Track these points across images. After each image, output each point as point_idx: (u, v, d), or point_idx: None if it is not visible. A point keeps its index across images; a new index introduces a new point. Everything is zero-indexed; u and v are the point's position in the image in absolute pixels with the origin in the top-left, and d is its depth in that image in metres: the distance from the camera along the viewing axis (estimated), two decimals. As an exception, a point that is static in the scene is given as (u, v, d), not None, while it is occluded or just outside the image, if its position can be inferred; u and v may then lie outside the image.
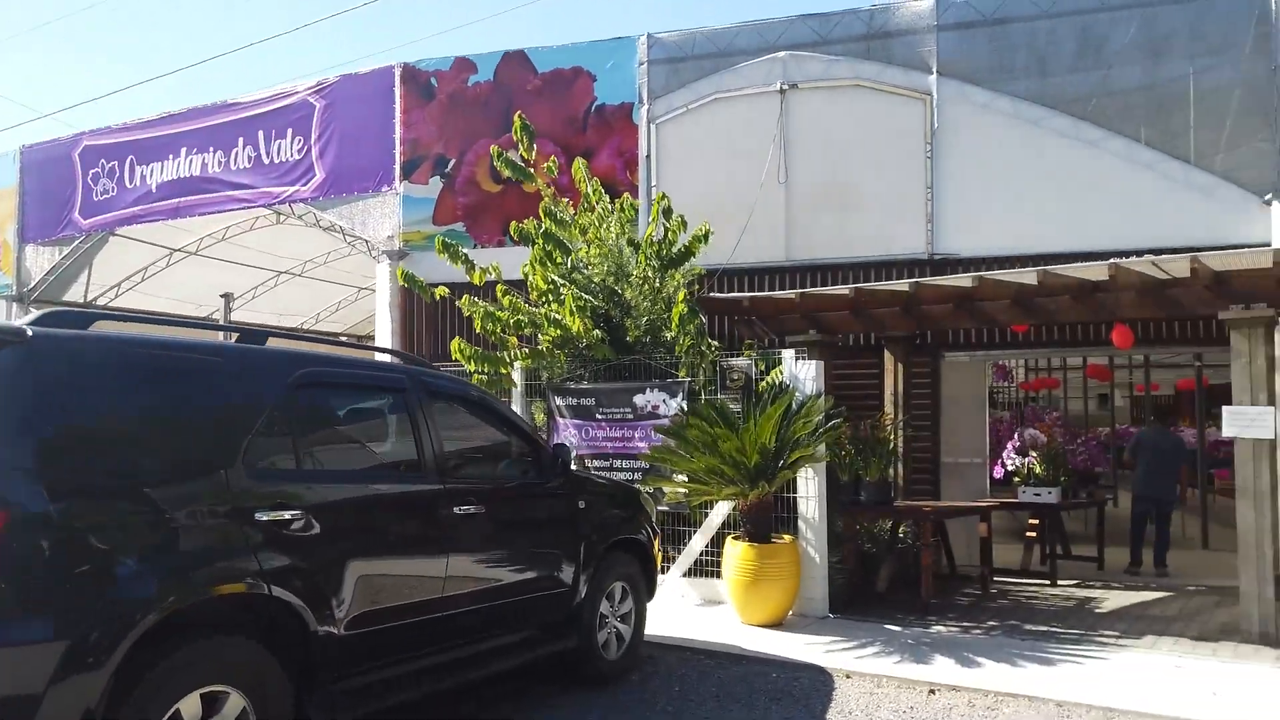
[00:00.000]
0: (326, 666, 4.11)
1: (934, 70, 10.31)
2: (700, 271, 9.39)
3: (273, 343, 4.61)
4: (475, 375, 8.52)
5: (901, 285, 7.79)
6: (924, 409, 10.51)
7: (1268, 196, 9.26)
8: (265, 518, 3.90)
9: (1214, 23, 9.64)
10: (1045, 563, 9.72)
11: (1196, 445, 12.75)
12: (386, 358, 6.03)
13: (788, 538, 7.64)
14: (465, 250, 8.89)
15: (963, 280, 7.58)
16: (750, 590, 7.40)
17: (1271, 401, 6.94)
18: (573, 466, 5.97)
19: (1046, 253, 9.20)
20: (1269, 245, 8.45)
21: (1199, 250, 6.98)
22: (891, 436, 8.72)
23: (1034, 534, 9.83)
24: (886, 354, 10.10)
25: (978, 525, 9.28)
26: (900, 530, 9.16)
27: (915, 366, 10.50)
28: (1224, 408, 6.98)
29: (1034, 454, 9.91)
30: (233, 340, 4.47)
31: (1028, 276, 7.38)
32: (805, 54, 10.72)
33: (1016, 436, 10.06)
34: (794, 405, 7.49)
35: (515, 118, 9.00)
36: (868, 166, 10.51)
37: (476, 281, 8.76)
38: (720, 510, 8.07)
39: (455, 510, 4.85)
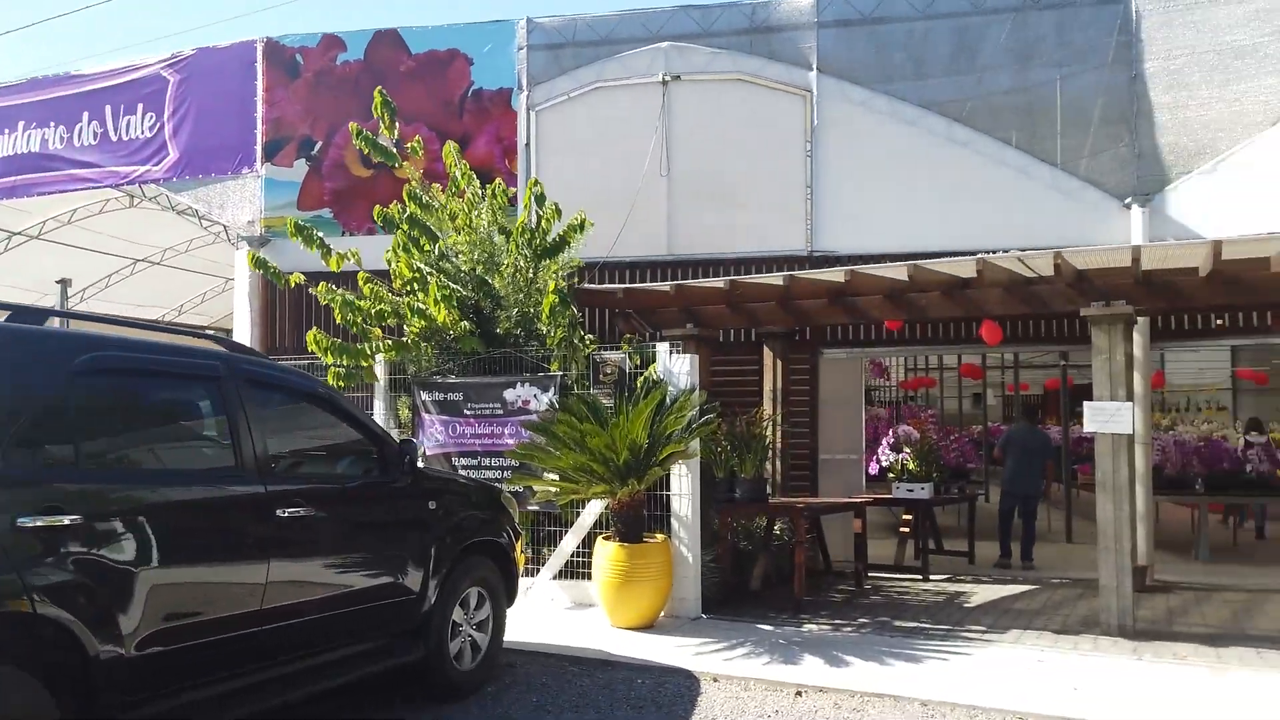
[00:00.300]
0: (112, 694, 3.56)
1: (814, 67, 10.22)
2: (579, 264, 9.03)
3: (62, 324, 4.00)
4: (332, 369, 7.94)
5: (776, 279, 7.60)
6: (803, 405, 10.42)
7: (1127, 200, 9.49)
8: (32, 524, 3.33)
9: (1079, 30, 9.83)
10: (919, 558, 9.73)
11: (1061, 442, 13.11)
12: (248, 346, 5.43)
13: (660, 537, 7.35)
14: (322, 234, 8.27)
15: (835, 275, 7.44)
16: (620, 592, 7.07)
17: (1130, 397, 7.02)
18: (420, 464, 5.51)
19: (921, 251, 9.14)
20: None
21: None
22: (767, 432, 8.53)
23: (907, 529, 9.84)
24: (765, 350, 9.95)
25: (853, 521, 9.20)
26: (776, 527, 9.00)
27: (794, 363, 10.39)
28: (1085, 403, 7.03)
29: (908, 450, 9.92)
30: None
31: (898, 272, 7.28)
32: (688, 45, 10.48)
33: (891, 433, 10.05)
34: (667, 400, 7.20)
35: (375, 93, 8.43)
36: (750, 162, 10.34)
37: (333, 268, 8.16)
38: (592, 509, 7.71)
39: (279, 514, 4.33)
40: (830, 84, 10.19)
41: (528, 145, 10.57)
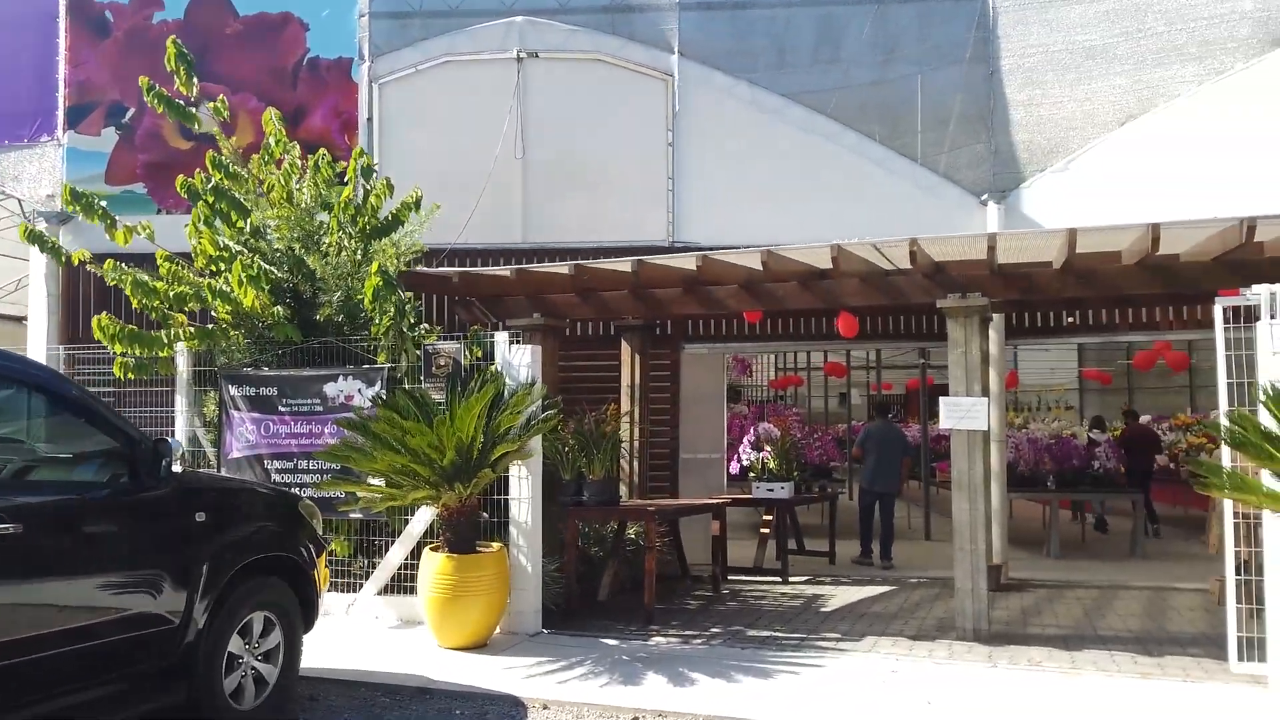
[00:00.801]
0: None
1: (676, 50, 9.66)
2: (421, 249, 8.15)
3: None
4: (120, 359, 6.83)
5: (624, 265, 6.95)
6: (663, 403, 9.85)
7: (984, 197, 9.31)
8: None
9: (939, 25, 9.61)
10: (780, 558, 9.27)
11: (921, 439, 13.00)
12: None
13: (496, 546, 6.58)
14: (106, 205, 7.14)
15: (687, 261, 6.86)
16: (448, 608, 6.26)
17: (986, 393, 6.69)
18: (177, 467, 4.58)
19: (781, 244, 8.76)
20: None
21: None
22: (617, 430, 7.87)
23: (768, 530, 9.38)
24: (624, 344, 9.32)
25: (711, 523, 8.65)
26: (631, 531, 8.36)
27: (654, 358, 9.81)
28: (941, 399, 6.66)
29: (769, 449, 9.47)
30: None
31: (752, 259, 6.76)
32: (544, 21, 9.75)
33: (752, 431, 9.58)
34: (504, 395, 6.44)
35: (169, 43, 7.35)
36: (609, 147, 9.70)
37: (120, 242, 7.03)
38: (422, 517, 6.87)
39: (-32, 532, 3.37)
40: (692, 69, 9.65)
41: (369, 120, 9.61)
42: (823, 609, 7.86)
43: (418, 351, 6.98)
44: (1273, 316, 5.36)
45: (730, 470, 9.65)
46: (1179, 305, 8.82)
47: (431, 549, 6.43)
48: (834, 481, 11.81)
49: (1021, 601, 8.10)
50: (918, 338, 9.86)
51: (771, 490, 9.16)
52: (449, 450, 5.94)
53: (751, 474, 9.46)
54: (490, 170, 9.39)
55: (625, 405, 9.24)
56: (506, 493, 6.79)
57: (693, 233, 9.54)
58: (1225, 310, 5.56)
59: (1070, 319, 9.39)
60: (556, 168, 9.66)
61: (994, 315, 9.23)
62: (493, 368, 6.74)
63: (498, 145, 9.50)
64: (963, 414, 6.52)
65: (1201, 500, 12.49)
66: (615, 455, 7.52)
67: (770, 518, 9.35)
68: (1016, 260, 6.83)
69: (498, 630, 6.56)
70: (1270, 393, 5.14)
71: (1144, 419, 13.32)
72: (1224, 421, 5.43)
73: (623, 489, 9.19)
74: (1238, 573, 5.56)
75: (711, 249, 8.84)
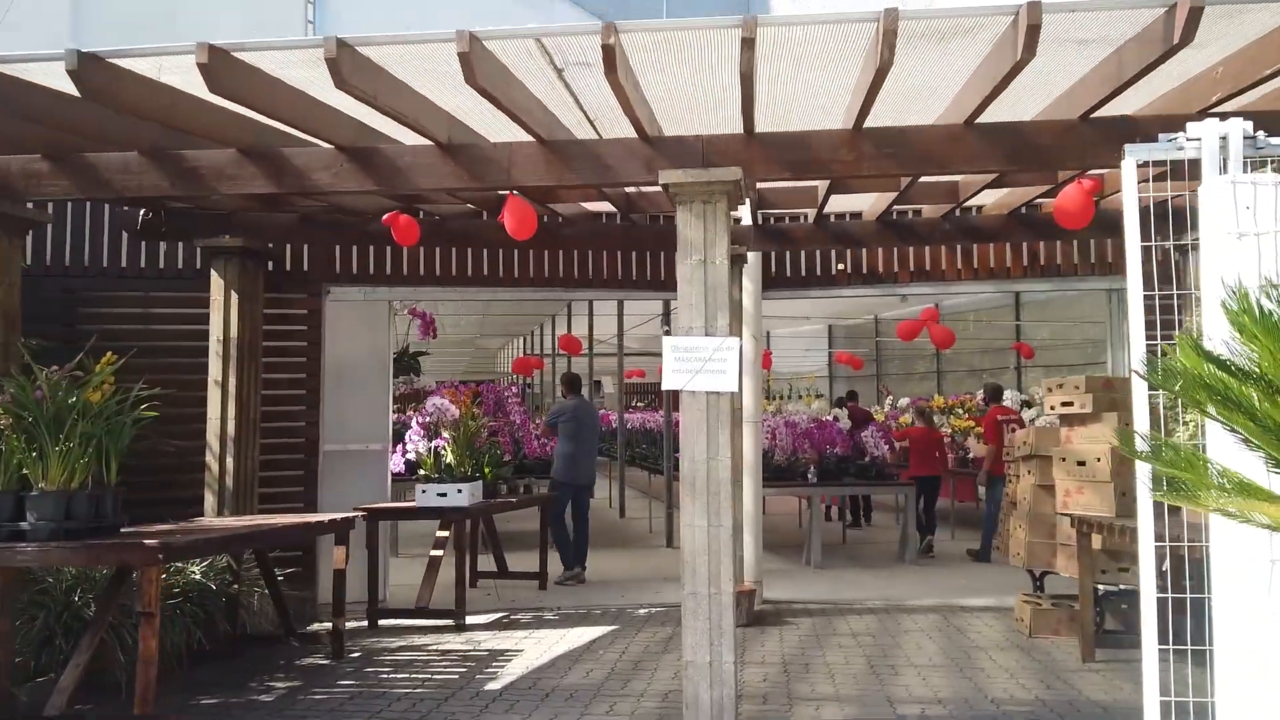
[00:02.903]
0: None
1: None
2: None
3: None
4: None
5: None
6: (295, 371, 6.35)
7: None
8: None
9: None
10: (459, 591, 6.04)
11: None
12: None
13: None
14: None
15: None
16: None
17: (740, 328, 3.82)
18: None
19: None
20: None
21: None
22: (123, 399, 4.21)
23: (441, 551, 6.12)
24: (214, 277, 5.72)
25: (337, 553, 5.24)
26: (195, 572, 4.80)
27: (281, 305, 6.29)
28: (665, 339, 3.69)
29: (446, 436, 6.22)
30: None
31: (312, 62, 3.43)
32: None
33: (421, 412, 6.28)
34: None
35: None
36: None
37: None
38: None
39: None
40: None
41: None
42: (493, 682, 4.69)
43: None
44: (1225, 171, 2.80)
45: (395, 467, 6.28)
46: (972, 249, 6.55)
47: None
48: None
49: (782, 644, 5.37)
50: (667, 287, 7.00)
51: (444, 495, 5.91)
52: None
53: (422, 471, 6.16)
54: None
55: (216, 372, 5.65)
56: None
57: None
58: (1140, 168, 2.96)
59: (840, 265, 6.89)
60: None
61: (750, 256, 6.56)
62: None
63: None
64: (699, 363, 3.59)
65: (964, 491, 10.67)
66: (110, 447, 3.92)
67: (445, 534, 6.09)
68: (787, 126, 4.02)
69: None
70: (1237, 296, 2.54)
71: (904, 402, 11.39)
72: (1139, 364, 2.81)
73: (209, 499, 5.60)
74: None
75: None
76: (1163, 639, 2.80)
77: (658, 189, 4.05)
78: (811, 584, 7.22)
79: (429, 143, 3.90)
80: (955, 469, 9.76)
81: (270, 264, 6.27)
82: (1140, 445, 2.64)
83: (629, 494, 11.84)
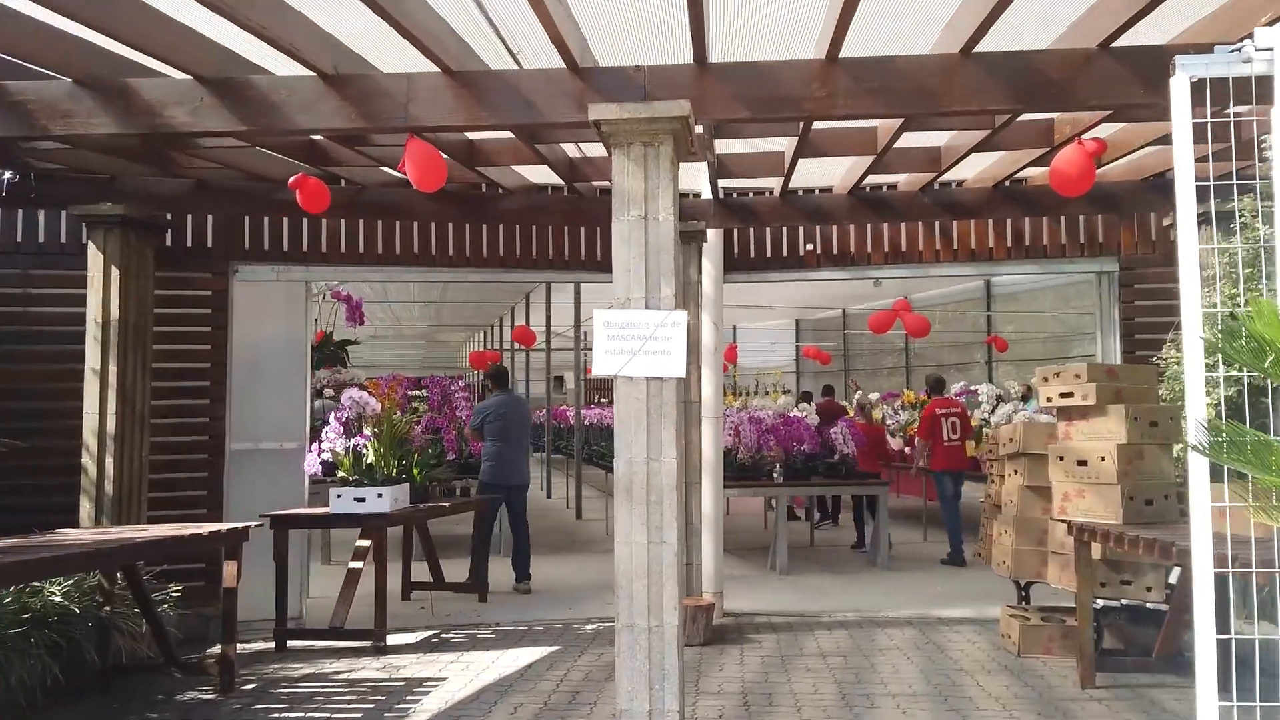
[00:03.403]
0: None
1: None
2: None
3: None
4: None
5: None
6: (198, 360, 5.53)
7: None
8: None
9: None
10: (378, 609, 5.26)
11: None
12: None
13: None
14: None
15: None
16: None
17: (687, 299, 3.12)
18: None
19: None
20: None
21: None
22: None
23: (360, 564, 5.34)
24: (92, 250, 4.89)
25: (227, 569, 4.45)
26: (57, 593, 3.99)
27: (180, 285, 5.48)
28: (596, 313, 2.95)
29: (368, 433, 5.44)
30: None
31: None
32: None
33: (339, 406, 5.48)
34: None
35: None
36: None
37: None
38: None
39: None
40: None
41: None
42: (405, 721, 3.95)
43: None
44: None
45: (310, 468, 5.48)
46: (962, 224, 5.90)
47: None
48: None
49: (743, 668, 4.67)
50: (586, 265, 6.26)
51: (362, 501, 5.13)
52: None
53: (340, 473, 5.37)
54: None
55: (94, 359, 4.83)
56: None
57: None
58: (1194, 84, 2.28)
59: (809, 245, 6.21)
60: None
61: (710, 234, 5.86)
62: None
63: None
64: (639, 342, 2.87)
65: (913, 486, 10.07)
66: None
67: (366, 544, 5.30)
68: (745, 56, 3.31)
69: None
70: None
71: (873, 396, 10.76)
72: (1194, 330, 2.14)
73: (85, 507, 4.77)
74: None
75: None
76: (1223, 692, 2.14)
77: (606, 154, 3.33)
78: (777, 592, 6.55)
79: (310, 73, 3.13)
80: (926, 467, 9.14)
81: (169, 237, 5.46)
82: (1198, 436, 1.96)
83: (587, 493, 11.10)
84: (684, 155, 3.05)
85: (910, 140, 4.64)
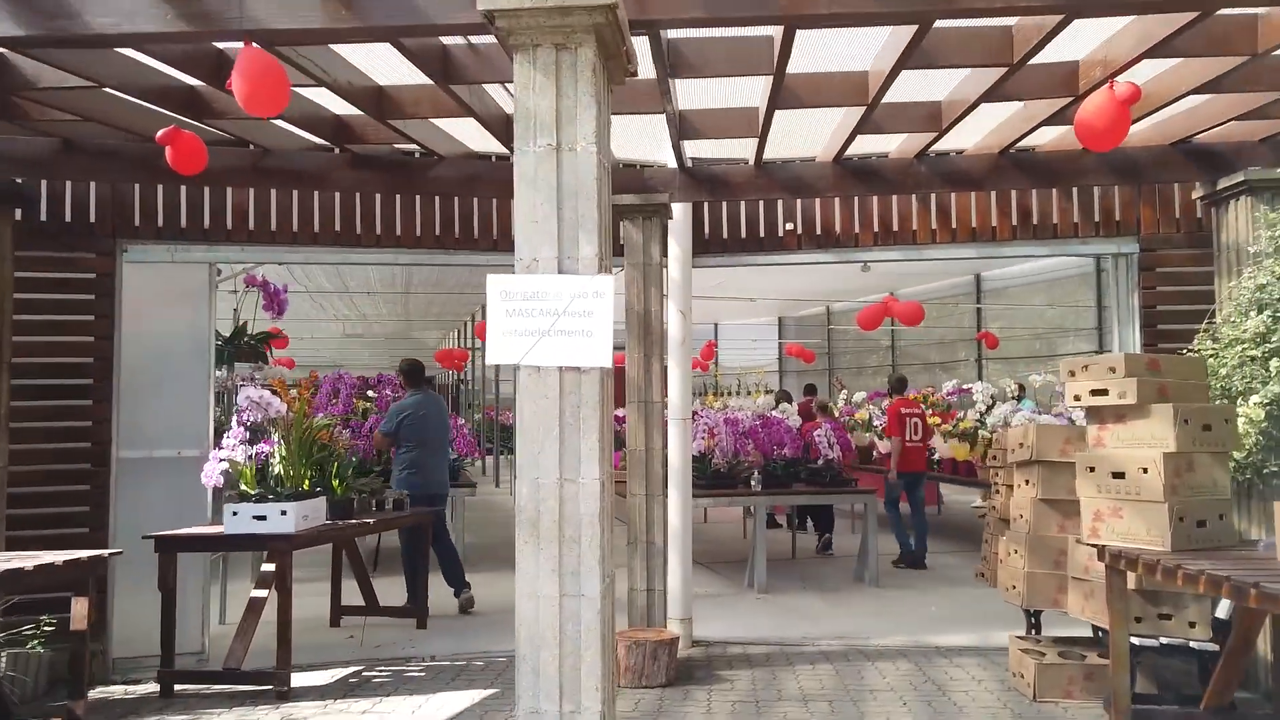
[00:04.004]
0: None
1: None
2: None
3: None
4: None
5: None
6: (79, 354, 4.67)
7: None
8: None
9: None
10: (281, 644, 4.39)
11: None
12: None
13: None
14: None
15: None
16: None
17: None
18: None
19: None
20: None
21: None
22: None
23: (264, 592, 4.48)
24: (-72, 220, 4.02)
25: (76, 607, 3.58)
26: None
27: (57, 267, 4.62)
28: (490, 278, 2.12)
29: (276, 438, 4.58)
30: None
31: None
32: None
33: (239, 410, 4.61)
34: None
35: None
36: None
37: None
38: None
39: None
40: None
41: None
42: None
43: None
44: None
45: (208, 480, 4.62)
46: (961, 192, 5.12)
47: None
48: (461, 486, 7.19)
49: (710, 717, 3.86)
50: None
51: (263, 519, 4.27)
52: None
53: (243, 484, 4.51)
54: None
55: (-70, 350, 3.95)
56: None
57: None
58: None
59: (789, 225, 5.40)
60: None
61: (676, 210, 5.05)
62: None
63: None
64: (548, 319, 2.03)
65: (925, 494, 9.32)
66: None
67: (271, 567, 4.44)
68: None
69: None
70: None
71: (859, 396, 9.98)
72: None
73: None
74: None
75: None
76: None
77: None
78: (754, 614, 5.74)
79: None
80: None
81: (43, 210, 4.60)
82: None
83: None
84: (616, 69, 2.22)
85: (907, 90, 3.84)
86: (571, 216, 2.06)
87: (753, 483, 6.63)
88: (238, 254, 5.00)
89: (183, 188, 4.76)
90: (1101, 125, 3.34)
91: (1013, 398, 8.47)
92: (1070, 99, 3.72)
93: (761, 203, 5.31)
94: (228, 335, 5.34)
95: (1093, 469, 3.45)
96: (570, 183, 2.06)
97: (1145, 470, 3.24)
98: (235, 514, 4.29)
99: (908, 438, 7.26)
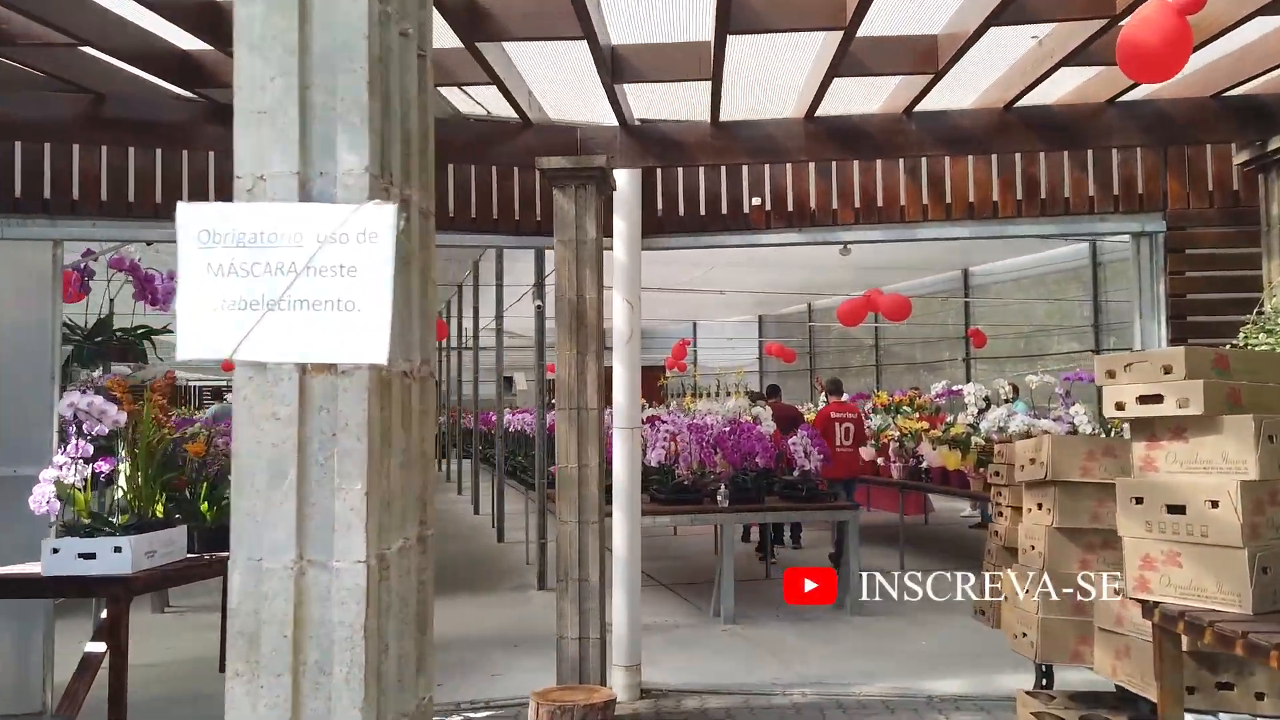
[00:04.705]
0: None
1: None
2: None
3: None
4: None
5: None
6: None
7: None
8: None
9: None
10: (114, 709, 3.46)
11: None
12: None
13: None
14: None
15: None
16: None
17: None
18: None
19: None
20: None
21: None
22: None
23: (102, 646, 3.55)
24: None
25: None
26: None
27: None
28: (181, 206, 1.23)
29: (125, 456, 3.65)
30: None
31: None
32: None
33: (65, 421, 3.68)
34: None
35: None
36: None
37: None
38: None
39: None
40: None
41: None
42: None
43: None
44: None
45: (40, 507, 3.69)
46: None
47: None
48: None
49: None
50: (541, 229, 4.53)
51: (91, 557, 3.35)
52: None
53: (76, 512, 3.59)
54: None
55: None
56: None
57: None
58: None
59: (756, 200, 4.51)
60: None
61: (620, 179, 4.16)
62: None
63: None
64: (282, 280, 1.14)
65: (911, 504, 8.48)
66: None
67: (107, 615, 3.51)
68: None
69: None
70: None
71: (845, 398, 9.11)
72: None
73: None
74: None
75: None
76: None
77: None
78: (718, 653, 4.85)
79: None
80: (905, 479, 7.54)
81: None
82: None
83: (511, 512, 9.33)
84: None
85: (896, 20, 2.96)
86: (324, 98, 1.16)
87: (719, 497, 5.74)
88: (88, 230, 4.05)
89: (16, 145, 3.83)
90: (1156, 43, 2.47)
91: (1005, 400, 7.64)
92: (1105, 21, 2.85)
93: (724, 172, 4.42)
94: (87, 330, 4.41)
95: (1140, 500, 2.57)
96: (324, 41, 1.16)
97: (1215, 504, 2.37)
98: (56, 551, 3.35)
99: (838, 443, 6.80)
